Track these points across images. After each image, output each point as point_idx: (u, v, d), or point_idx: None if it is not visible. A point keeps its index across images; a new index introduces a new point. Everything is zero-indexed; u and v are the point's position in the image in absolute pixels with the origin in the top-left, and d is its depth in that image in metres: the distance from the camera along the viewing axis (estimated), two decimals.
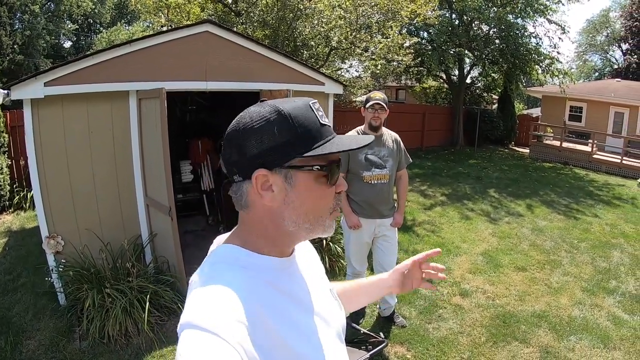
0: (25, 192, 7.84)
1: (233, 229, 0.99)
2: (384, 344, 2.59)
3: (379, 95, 3.67)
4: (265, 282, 0.89)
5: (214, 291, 0.81)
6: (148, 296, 3.85)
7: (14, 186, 7.90)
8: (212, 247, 1.01)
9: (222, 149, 0.93)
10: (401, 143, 3.91)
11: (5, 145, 7.59)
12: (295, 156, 0.87)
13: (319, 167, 0.89)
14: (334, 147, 0.88)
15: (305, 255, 1.09)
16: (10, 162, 7.84)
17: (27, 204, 7.77)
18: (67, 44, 33.72)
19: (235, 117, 0.92)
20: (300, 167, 0.88)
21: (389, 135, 3.85)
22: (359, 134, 3.76)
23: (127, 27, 35.45)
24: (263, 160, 0.87)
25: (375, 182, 3.73)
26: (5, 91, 3.93)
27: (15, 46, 22.74)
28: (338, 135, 0.94)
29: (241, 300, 0.80)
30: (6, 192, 7.51)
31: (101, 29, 35.49)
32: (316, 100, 0.94)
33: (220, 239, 1.02)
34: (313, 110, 0.90)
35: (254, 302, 0.82)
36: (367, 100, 3.69)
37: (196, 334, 0.73)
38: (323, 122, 0.90)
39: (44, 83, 3.97)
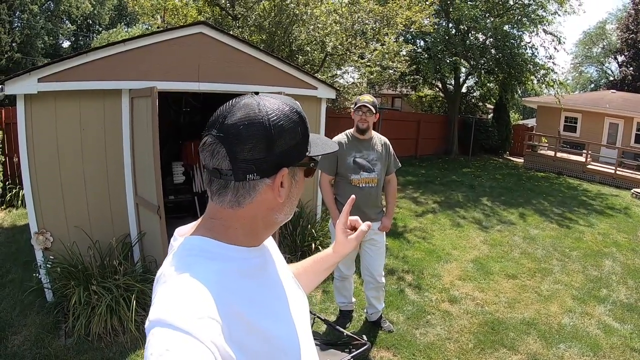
0: (17, 190, 7.82)
1: (199, 221, 0.96)
2: (366, 347, 2.58)
3: (367, 99, 3.67)
4: (238, 272, 0.88)
5: (185, 285, 0.78)
6: (134, 294, 3.84)
7: (7, 183, 7.89)
8: (173, 239, 0.99)
9: (231, 144, 0.84)
10: (390, 147, 3.91)
11: None
12: (305, 155, 0.92)
13: (313, 164, 0.96)
14: (328, 148, 0.97)
15: (270, 242, 1.09)
16: (3, 160, 7.82)
17: (19, 202, 7.74)
18: (66, 44, 33.72)
19: None
20: (304, 165, 0.94)
21: (379, 139, 3.85)
22: (347, 137, 3.78)
23: (126, 30, 35.48)
24: (287, 159, 0.88)
25: (363, 185, 3.72)
26: None
27: (13, 44, 22.74)
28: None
29: (214, 294, 0.78)
30: None
31: (100, 30, 35.51)
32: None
33: (183, 230, 1.00)
34: None
35: (227, 294, 0.80)
36: (356, 103, 3.70)
37: (167, 332, 0.70)
38: None
39: (38, 79, 3.97)
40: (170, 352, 0.68)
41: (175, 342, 0.69)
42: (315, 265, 1.35)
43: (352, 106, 3.79)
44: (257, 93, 0.92)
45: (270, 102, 0.88)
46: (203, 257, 0.86)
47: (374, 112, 3.65)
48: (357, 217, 1.34)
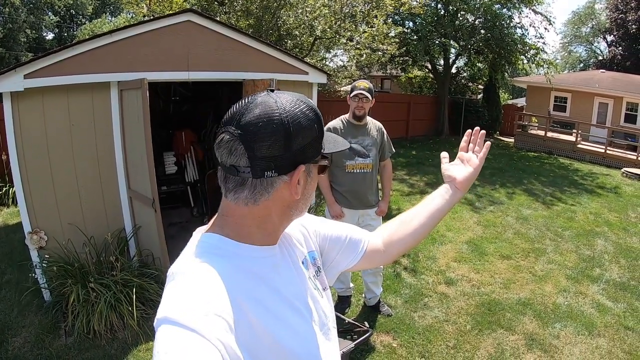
0: (7, 188, 7.71)
1: (213, 220, 0.96)
2: (368, 334, 2.59)
3: (363, 85, 3.63)
4: (248, 271, 0.88)
5: (193, 283, 0.78)
6: (133, 290, 3.82)
7: None
8: (191, 240, 0.97)
9: (249, 141, 0.83)
10: (385, 133, 3.90)
11: None
12: (320, 152, 0.94)
13: (327, 162, 0.98)
14: (340, 146, 1.00)
15: (290, 235, 1.07)
16: None
17: (10, 200, 7.64)
18: (50, 36, 33.10)
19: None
20: (318, 162, 0.95)
21: (373, 125, 3.84)
22: (343, 122, 3.76)
23: (110, 19, 34.87)
24: (304, 156, 0.89)
25: (358, 171, 3.73)
26: None
27: None
28: None
29: (221, 291, 0.78)
30: None
31: (84, 20, 34.87)
32: None
33: (202, 230, 0.99)
34: None
35: (235, 293, 0.80)
36: (352, 90, 3.67)
37: (173, 330, 0.70)
38: None
39: (24, 75, 3.88)
40: (176, 350, 0.68)
41: (181, 339, 0.69)
42: (426, 210, 1.29)
43: (349, 92, 3.75)
44: (272, 90, 0.91)
45: (287, 99, 0.88)
46: (212, 254, 0.86)
47: (371, 98, 3.64)
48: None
